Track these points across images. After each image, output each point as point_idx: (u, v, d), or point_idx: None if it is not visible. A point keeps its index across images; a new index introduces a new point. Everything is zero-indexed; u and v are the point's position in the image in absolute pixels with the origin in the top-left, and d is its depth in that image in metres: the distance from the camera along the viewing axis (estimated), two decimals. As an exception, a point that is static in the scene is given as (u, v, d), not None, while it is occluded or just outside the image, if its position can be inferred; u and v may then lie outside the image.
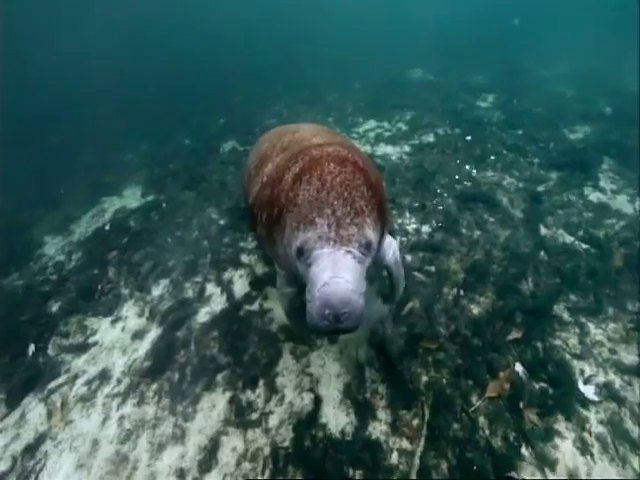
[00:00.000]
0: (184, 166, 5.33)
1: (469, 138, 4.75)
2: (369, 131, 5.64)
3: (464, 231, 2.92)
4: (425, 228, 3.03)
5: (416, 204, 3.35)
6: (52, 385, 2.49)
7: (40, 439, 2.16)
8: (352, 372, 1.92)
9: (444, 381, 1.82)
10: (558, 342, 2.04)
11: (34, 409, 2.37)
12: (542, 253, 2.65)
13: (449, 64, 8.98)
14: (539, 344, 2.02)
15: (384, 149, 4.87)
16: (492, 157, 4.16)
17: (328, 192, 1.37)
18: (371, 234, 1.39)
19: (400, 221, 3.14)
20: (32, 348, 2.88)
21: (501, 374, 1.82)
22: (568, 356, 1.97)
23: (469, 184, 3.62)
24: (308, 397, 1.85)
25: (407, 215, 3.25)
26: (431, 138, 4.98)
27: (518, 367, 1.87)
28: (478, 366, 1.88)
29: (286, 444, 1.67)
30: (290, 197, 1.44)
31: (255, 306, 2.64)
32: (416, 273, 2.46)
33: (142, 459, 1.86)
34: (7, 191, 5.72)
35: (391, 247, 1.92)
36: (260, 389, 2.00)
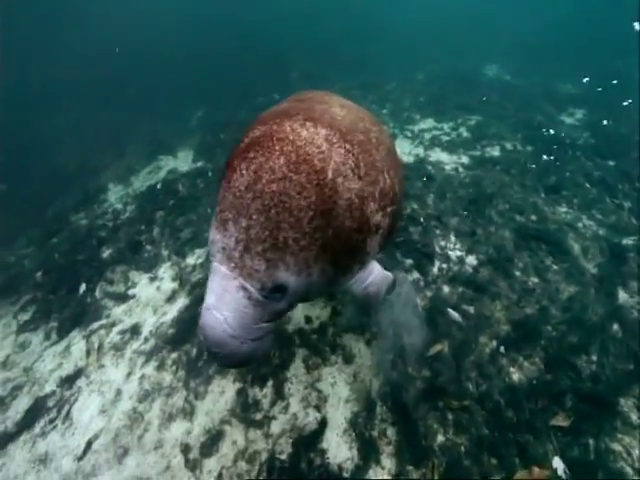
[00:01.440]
0: (234, 138, 5.12)
1: (544, 160, 3.71)
2: (425, 131, 4.82)
3: (518, 274, 2.30)
4: (471, 259, 2.47)
5: (465, 228, 2.73)
6: (94, 326, 2.65)
7: (77, 374, 2.33)
8: (362, 403, 1.71)
9: (462, 448, 1.51)
10: (618, 447, 1.54)
11: (77, 344, 2.56)
12: (615, 326, 1.97)
13: (532, 64, 6.96)
14: (591, 442, 1.54)
15: (438, 155, 4.17)
16: (569, 190, 3.17)
17: (254, 198, 0.99)
18: (288, 278, 1.02)
19: (442, 244, 2.67)
20: (83, 287, 3.08)
21: (535, 469, 1.41)
22: (629, 469, 1.47)
23: (534, 217, 2.81)
24: (313, 415, 1.70)
25: (452, 239, 2.75)
26: (496, 152, 3.99)
27: (558, 462, 1.45)
28: (507, 445, 1.51)
29: (283, 457, 1.57)
30: (227, 176, 1.07)
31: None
32: (451, 311, 2.07)
33: (153, 423, 1.91)
34: (85, 138, 6.05)
35: (369, 277, 1.39)
36: (268, 390, 1.91)
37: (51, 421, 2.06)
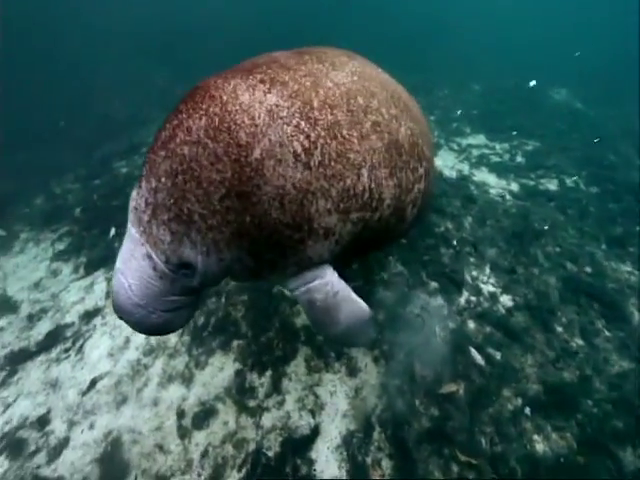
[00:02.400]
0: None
1: (610, 206, 3.07)
2: (473, 147, 4.23)
3: (559, 330, 1.93)
4: (505, 299, 2.12)
5: (504, 263, 2.36)
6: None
7: (95, 312, 2.37)
8: (360, 422, 1.56)
9: (464, 508, 1.30)
10: None
11: (100, 283, 2.60)
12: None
13: (610, 94, 5.80)
14: None
15: (485, 176, 3.67)
16: (638, 247, 2.56)
17: (165, 157, 0.84)
18: (195, 257, 0.89)
19: (475, 274, 2.33)
20: (113, 231, 3.10)
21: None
22: None
23: (589, 270, 2.36)
24: (307, 420, 1.60)
25: (486, 271, 2.43)
26: (553, 186, 3.40)
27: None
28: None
29: (270, 454, 1.49)
30: (162, 125, 0.91)
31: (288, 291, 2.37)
32: (473, 351, 1.82)
33: (153, 380, 1.90)
34: (137, 92, 6.00)
35: (314, 280, 1.11)
36: (265, 379, 1.82)
37: (66, 350, 2.12)
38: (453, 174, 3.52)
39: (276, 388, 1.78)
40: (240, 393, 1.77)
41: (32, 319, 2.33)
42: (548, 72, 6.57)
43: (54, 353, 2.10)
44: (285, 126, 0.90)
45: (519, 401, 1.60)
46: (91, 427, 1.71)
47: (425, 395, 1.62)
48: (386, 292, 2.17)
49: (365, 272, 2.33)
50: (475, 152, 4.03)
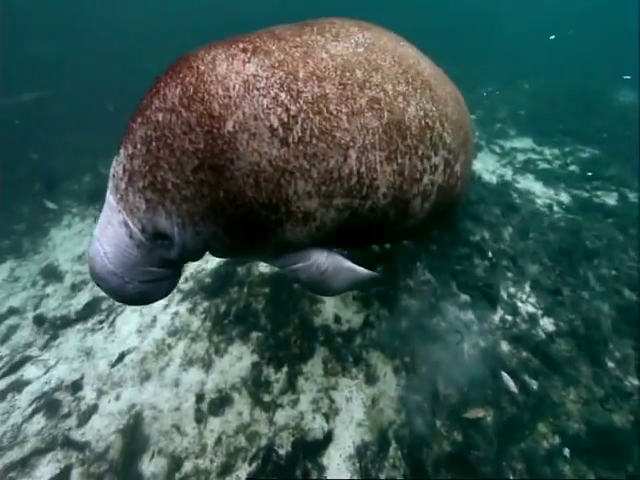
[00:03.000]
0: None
1: None
2: (518, 151, 3.83)
3: (611, 366, 1.65)
4: (546, 322, 1.86)
5: (547, 282, 2.06)
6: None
7: (128, 289, 2.46)
8: (376, 435, 1.45)
9: None
10: None
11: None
12: None
13: None
14: None
15: (530, 184, 3.29)
16: None
17: (141, 123, 0.81)
18: (171, 228, 0.87)
19: (512, 290, 2.02)
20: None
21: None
22: None
23: None
24: (320, 423, 1.51)
25: (526, 289, 2.13)
26: (611, 200, 2.94)
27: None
28: None
29: (281, 452, 1.44)
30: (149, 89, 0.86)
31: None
32: (506, 376, 1.59)
33: (175, 361, 1.92)
34: None
35: (298, 262, 1.06)
36: (281, 375, 1.77)
37: (100, 322, 2.22)
38: (493, 179, 3.19)
39: (291, 385, 1.72)
40: (256, 386, 1.73)
41: (74, 289, 2.47)
42: (613, 72, 5.76)
43: (90, 323, 2.21)
44: (261, 98, 0.83)
45: (557, 439, 1.38)
46: (117, 398, 1.76)
47: (448, 417, 1.46)
48: (411, 300, 2.00)
49: (390, 276, 2.17)
50: (520, 157, 3.62)
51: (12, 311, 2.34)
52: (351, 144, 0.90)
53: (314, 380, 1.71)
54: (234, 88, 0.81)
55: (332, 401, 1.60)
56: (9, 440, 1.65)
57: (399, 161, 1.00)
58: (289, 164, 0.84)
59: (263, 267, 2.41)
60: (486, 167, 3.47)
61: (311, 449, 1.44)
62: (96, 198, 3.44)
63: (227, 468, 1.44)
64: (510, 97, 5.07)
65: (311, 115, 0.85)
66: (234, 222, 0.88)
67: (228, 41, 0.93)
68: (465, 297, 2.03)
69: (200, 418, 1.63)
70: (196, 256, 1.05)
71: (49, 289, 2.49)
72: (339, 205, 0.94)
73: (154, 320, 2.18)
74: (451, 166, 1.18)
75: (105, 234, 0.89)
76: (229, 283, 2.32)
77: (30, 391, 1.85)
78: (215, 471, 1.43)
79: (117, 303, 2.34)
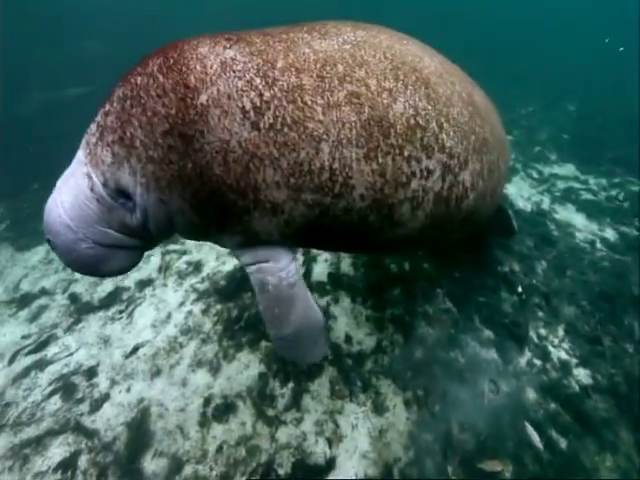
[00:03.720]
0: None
1: None
2: (558, 178, 3.60)
3: None
4: (582, 373, 1.71)
5: (585, 328, 1.91)
6: (170, 247, 2.91)
7: (148, 282, 2.60)
8: (381, 470, 1.39)
9: None
10: None
11: (155, 256, 2.85)
12: None
13: None
14: None
15: (570, 215, 3.07)
16: None
17: (120, 85, 0.91)
18: (134, 186, 0.90)
19: (543, 332, 1.89)
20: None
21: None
22: None
23: None
24: (323, 448, 1.49)
25: (559, 333, 1.93)
26: None
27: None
28: None
29: (280, 472, 1.45)
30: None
31: (323, 302, 2.29)
32: (530, 428, 1.44)
33: (185, 360, 2.00)
34: None
35: (263, 262, 1.05)
36: (287, 390, 1.78)
37: (120, 312, 2.37)
38: (528, 206, 3.05)
39: (296, 403, 1.72)
40: (261, 397, 1.75)
41: (100, 277, 2.67)
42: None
43: (110, 312, 2.36)
44: (236, 79, 0.87)
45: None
46: (128, 390, 1.86)
47: (461, 464, 1.39)
48: (429, 329, 1.95)
49: (407, 300, 2.14)
50: (560, 184, 3.42)
51: (43, 292, 2.57)
52: (324, 137, 0.88)
53: (320, 400, 1.70)
54: (212, 67, 0.87)
55: (337, 426, 1.58)
56: (28, 417, 1.79)
57: (380, 161, 0.94)
58: (259, 149, 0.86)
59: (278, 275, 2.47)
60: (520, 193, 3.33)
61: (312, 473, 1.42)
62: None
63: (226, 479, 1.47)
64: (553, 118, 4.81)
65: (284, 103, 0.86)
66: (201, 199, 0.90)
67: (217, 33, 1.01)
68: (489, 333, 1.94)
69: (204, 422, 1.68)
70: (159, 231, 1.04)
71: (78, 274, 2.70)
72: (308, 200, 0.93)
73: (169, 316, 2.29)
74: (453, 173, 1.07)
75: (66, 184, 0.92)
76: (243, 288, 2.39)
77: (51, 371, 2.00)
78: (213, 480, 1.46)
79: (136, 295, 2.49)
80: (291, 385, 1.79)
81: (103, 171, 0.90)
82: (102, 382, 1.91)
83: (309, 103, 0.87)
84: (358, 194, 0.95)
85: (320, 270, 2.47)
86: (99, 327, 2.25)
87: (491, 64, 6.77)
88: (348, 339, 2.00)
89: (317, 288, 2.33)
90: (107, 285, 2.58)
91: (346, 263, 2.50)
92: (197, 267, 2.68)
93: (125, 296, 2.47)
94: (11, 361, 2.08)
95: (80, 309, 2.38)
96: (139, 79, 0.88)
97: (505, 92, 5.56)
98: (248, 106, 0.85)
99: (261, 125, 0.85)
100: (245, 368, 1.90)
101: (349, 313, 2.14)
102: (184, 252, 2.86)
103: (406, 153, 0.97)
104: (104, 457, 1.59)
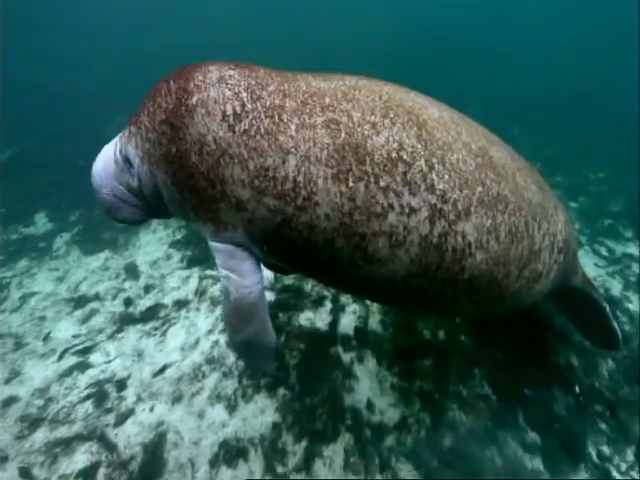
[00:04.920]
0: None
1: None
2: (634, 260, 3.18)
3: None
4: None
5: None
6: (207, 272, 3.37)
7: (184, 303, 3.01)
8: None
9: None
10: None
11: (194, 278, 3.29)
12: None
13: None
14: None
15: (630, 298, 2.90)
16: None
17: (157, 84, 1.27)
18: (134, 157, 1.27)
19: (604, 450, 1.74)
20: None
21: None
22: None
23: None
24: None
25: (628, 455, 1.70)
26: None
27: None
28: None
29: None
30: None
31: (347, 357, 2.41)
32: None
33: (205, 391, 2.23)
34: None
35: (234, 271, 1.25)
36: (299, 449, 1.86)
37: (155, 328, 2.77)
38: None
39: (307, 465, 1.79)
40: (272, 449, 1.87)
41: (145, 290, 3.18)
42: None
43: (148, 327, 2.78)
44: (226, 90, 1.12)
45: None
46: (151, 410, 2.12)
47: None
48: (462, 414, 1.93)
49: (438, 375, 2.16)
50: (636, 268, 3.21)
51: (97, 296, 3.13)
52: (292, 151, 1.03)
53: (332, 470, 1.75)
54: (210, 79, 1.16)
55: (347, 506, 1.60)
56: (64, 416, 2.14)
57: (350, 185, 1.03)
58: (230, 148, 1.06)
59: (304, 320, 2.68)
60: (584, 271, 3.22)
61: None
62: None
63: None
64: (628, 187, 4.53)
65: (262, 116, 1.07)
66: (180, 179, 1.16)
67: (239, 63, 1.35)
68: (534, 436, 1.84)
69: (214, 462, 1.83)
70: (151, 198, 1.37)
71: (127, 284, 3.25)
72: (270, 205, 1.06)
73: (197, 342, 2.60)
74: (447, 220, 1.09)
75: (109, 146, 1.42)
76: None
77: (90, 375, 2.39)
78: (214, 532, 1.56)
79: (172, 314, 2.90)
80: (304, 444, 1.88)
81: (121, 142, 1.34)
82: (130, 396, 2.22)
83: (285, 120, 1.07)
84: (323, 212, 1.05)
85: (347, 322, 2.64)
86: (136, 339, 2.65)
87: (554, 118, 6.90)
88: (370, 406, 2.06)
89: (342, 341, 2.48)
90: (148, 300, 3.06)
91: (375, 319, 2.64)
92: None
93: (162, 313, 2.89)
94: (60, 357, 2.53)
95: (124, 318, 2.84)
96: (161, 83, 1.25)
97: (571, 151, 5.58)
98: (229, 112, 1.08)
99: (236, 129, 1.06)
100: (261, 413, 2.06)
101: (373, 376, 2.22)
102: (219, 278, 3.28)
103: (382, 183, 1.04)
104: (119, 475, 1.81)
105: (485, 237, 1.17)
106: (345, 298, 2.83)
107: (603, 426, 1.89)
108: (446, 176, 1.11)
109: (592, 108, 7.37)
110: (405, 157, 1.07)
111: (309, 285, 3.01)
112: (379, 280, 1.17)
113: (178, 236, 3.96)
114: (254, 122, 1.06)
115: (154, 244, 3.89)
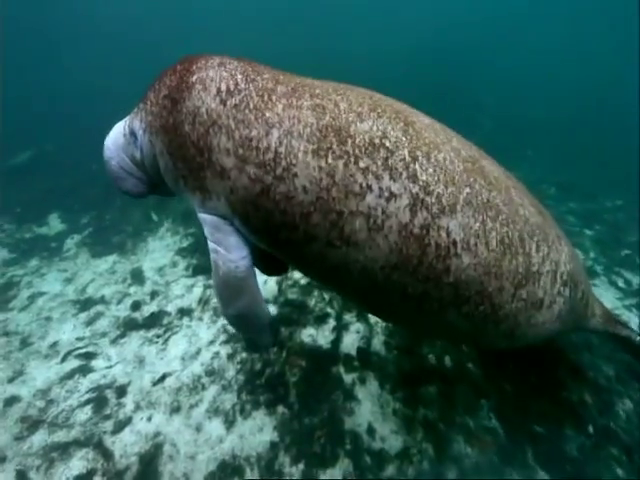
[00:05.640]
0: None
1: None
2: None
3: None
4: None
5: None
6: (212, 282, 3.50)
7: (188, 312, 3.10)
8: None
9: None
10: None
11: (199, 287, 3.39)
12: None
13: None
14: None
15: None
16: None
17: (167, 68, 1.45)
18: (138, 129, 1.46)
19: None
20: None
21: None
22: None
23: None
24: None
25: None
26: None
27: None
28: None
29: None
30: None
31: (348, 378, 2.45)
32: None
33: (204, 404, 2.29)
34: None
35: (220, 244, 1.38)
36: (296, 471, 1.86)
37: (157, 336, 2.88)
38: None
39: (303, 490, 1.81)
40: (269, 470, 1.90)
41: (149, 296, 3.32)
42: None
43: (150, 333, 2.89)
44: (224, 72, 1.30)
45: None
46: (149, 419, 2.20)
47: None
48: (467, 447, 1.93)
49: (443, 403, 2.17)
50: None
51: (102, 299, 3.29)
52: (277, 125, 1.16)
53: (329, 497, 1.77)
54: (212, 63, 1.35)
55: (343, 536, 1.61)
56: (62, 420, 2.23)
57: (329, 161, 1.11)
58: (220, 119, 1.21)
59: (306, 336, 2.75)
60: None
61: None
62: (188, 219, 4.67)
63: None
64: None
65: (253, 95, 1.22)
66: (174, 147, 1.32)
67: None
68: (544, 475, 1.82)
69: (209, 479, 1.87)
70: (151, 169, 1.52)
71: (132, 289, 3.41)
72: (251, 173, 1.16)
73: (198, 352, 2.69)
74: (430, 212, 1.12)
75: (120, 122, 1.61)
76: (268, 351, 2.72)
77: (91, 379, 2.50)
78: None
79: (175, 322, 3.01)
80: (301, 467, 1.91)
81: (131, 118, 1.52)
82: (128, 404, 2.30)
83: (273, 100, 1.21)
84: (301, 184, 1.13)
85: (350, 341, 2.69)
86: (138, 346, 2.76)
87: (568, 141, 6.95)
88: (370, 431, 2.08)
89: (344, 361, 2.52)
90: (152, 306, 3.19)
91: (379, 340, 2.68)
92: (232, 307, 3.15)
93: (165, 321, 3.01)
94: (63, 359, 2.66)
95: (127, 324, 2.97)
96: (169, 66, 1.44)
97: (586, 176, 5.60)
98: (223, 88, 1.26)
99: (228, 103, 1.22)
100: (259, 431, 2.10)
101: (375, 400, 2.25)
102: (223, 288, 3.40)
103: (362, 165, 1.11)
104: (113, 485, 1.87)
105: (473, 240, 1.17)
106: (349, 316, 2.90)
107: (619, 471, 1.85)
108: (430, 170, 1.15)
109: (609, 132, 7.42)
110: (388, 145, 1.14)
111: (312, 301, 3.10)
112: (357, 269, 1.19)
113: (185, 244, 4.15)
114: (244, 99, 1.22)
115: (161, 250, 4.07)
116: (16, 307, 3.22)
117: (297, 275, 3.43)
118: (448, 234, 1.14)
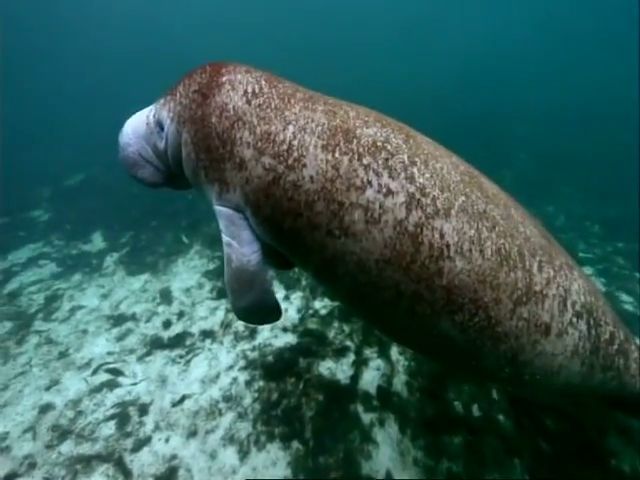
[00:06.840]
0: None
1: None
2: None
3: None
4: None
5: None
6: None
7: (210, 334, 3.34)
8: None
9: None
10: None
11: (222, 310, 3.68)
12: None
13: None
14: None
15: None
16: None
17: (196, 68, 1.61)
18: (166, 120, 1.57)
19: None
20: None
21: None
22: None
23: None
24: None
25: None
26: None
27: None
28: None
29: None
30: None
31: (367, 418, 2.45)
32: None
33: (220, 430, 2.41)
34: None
35: (234, 237, 1.50)
36: (307, 514, 1.91)
37: (180, 356, 3.11)
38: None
39: (315, 537, 1.80)
40: (279, 509, 1.92)
41: (176, 317, 3.62)
42: None
43: (174, 353, 3.12)
44: (249, 77, 1.49)
45: None
46: (167, 441, 2.34)
47: None
48: (496, 510, 1.83)
49: (470, 457, 2.09)
50: None
51: (133, 316, 3.64)
52: (293, 122, 1.35)
53: None
54: (240, 69, 1.52)
55: None
56: (89, 433, 2.45)
57: (336, 155, 1.28)
58: (245, 115, 1.39)
59: (324, 369, 2.82)
60: None
61: None
62: (216, 242, 5.10)
63: None
64: None
65: (274, 97, 1.43)
66: (199, 138, 1.45)
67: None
68: None
69: (220, 513, 1.93)
70: (173, 159, 1.62)
71: (160, 308, 3.74)
72: (266, 163, 1.32)
73: (217, 376, 2.85)
74: (424, 212, 1.23)
75: (139, 113, 1.72)
76: (288, 372, 2.82)
77: (117, 394, 2.73)
78: None
79: (197, 344, 3.23)
80: (314, 510, 1.91)
81: (157, 107, 1.64)
82: (149, 423, 2.48)
83: (292, 102, 1.43)
84: (308, 174, 1.29)
85: (370, 378, 2.71)
86: (162, 365, 2.99)
87: (611, 175, 6.73)
88: (389, 479, 2.05)
89: (362, 399, 2.54)
90: (177, 326, 3.46)
91: (400, 380, 2.68)
92: (252, 333, 3.32)
93: (189, 342, 3.25)
94: (94, 372, 2.94)
95: (154, 342, 3.25)
96: (198, 67, 1.59)
97: (635, 213, 5.35)
98: (249, 90, 1.46)
99: (252, 102, 1.42)
100: (272, 465, 2.15)
101: (395, 445, 2.22)
102: (244, 313, 3.61)
103: (365, 161, 1.28)
104: (129, 505, 1.99)
105: (467, 245, 1.23)
106: (369, 351, 2.94)
107: None
108: (427, 174, 1.29)
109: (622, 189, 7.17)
110: (389, 148, 1.32)
111: (332, 332, 3.20)
112: (353, 260, 1.30)
113: (211, 267, 4.51)
114: (267, 100, 1.43)
115: (189, 272, 4.45)
116: (58, 319, 3.65)
117: (318, 305, 3.58)
118: (442, 236, 1.23)
